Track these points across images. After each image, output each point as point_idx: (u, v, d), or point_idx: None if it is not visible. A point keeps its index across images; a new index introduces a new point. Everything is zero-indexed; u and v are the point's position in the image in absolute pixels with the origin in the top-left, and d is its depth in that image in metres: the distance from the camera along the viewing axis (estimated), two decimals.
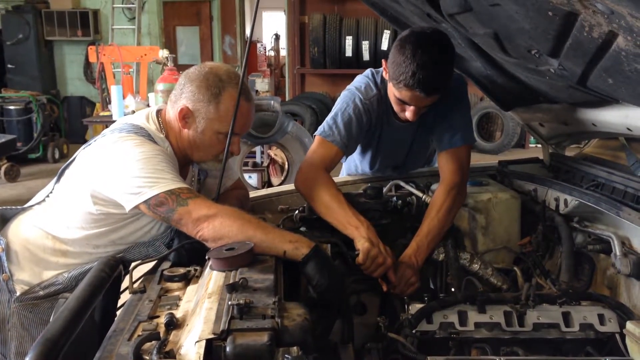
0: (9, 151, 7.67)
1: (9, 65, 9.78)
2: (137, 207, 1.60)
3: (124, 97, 6.43)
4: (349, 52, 8.94)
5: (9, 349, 1.77)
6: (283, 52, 12.98)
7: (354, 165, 2.59)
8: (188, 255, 1.64)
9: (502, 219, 2.17)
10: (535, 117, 2.44)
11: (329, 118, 2.14)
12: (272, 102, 6.02)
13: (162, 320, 1.27)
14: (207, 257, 1.51)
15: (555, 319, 1.72)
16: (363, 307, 1.99)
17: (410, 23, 2.16)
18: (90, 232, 1.75)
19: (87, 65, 9.98)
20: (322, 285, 1.51)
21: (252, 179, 6.25)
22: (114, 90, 6.32)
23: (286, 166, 6.39)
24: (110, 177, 1.64)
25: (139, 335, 1.20)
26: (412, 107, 1.96)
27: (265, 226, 1.59)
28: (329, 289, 1.51)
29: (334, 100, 2.28)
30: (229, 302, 1.20)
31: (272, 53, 14.49)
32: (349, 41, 8.90)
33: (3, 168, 7.48)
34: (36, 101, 8.43)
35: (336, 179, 2.39)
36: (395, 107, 2.06)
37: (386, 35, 8.68)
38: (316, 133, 2.15)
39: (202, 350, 1.08)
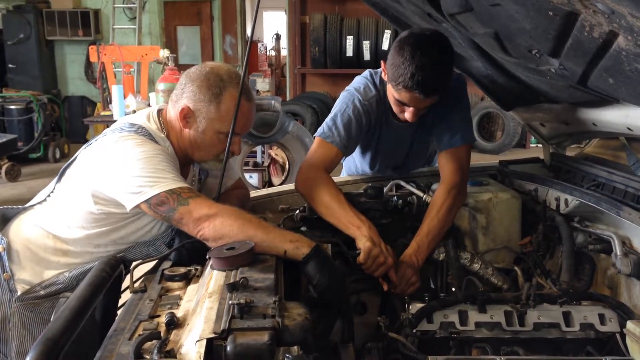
0: (9, 151, 7.69)
1: (10, 65, 9.79)
2: (138, 206, 1.60)
3: (124, 97, 6.43)
4: (349, 52, 8.94)
5: (10, 349, 1.77)
6: (284, 52, 12.98)
7: (354, 166, 2.59)
8: (189, 254, 1.64)
9: (503, 219, 2.17)
10: (535, 117, 2.44)
11: (328, 119, 2.14)
12: (272, 101, 6.02)
13: (163, 319, 1.28)
14: (207, 257, 1.52)
15: (555, 319, 1.72)
16: (363, 306, 1.99)
17: (411, 23, 2.16)
18: (91, 232, 1.75)
19: (88, 65, 10.00)
20: (322, 284, 1.51)
21: (252, 178, 6.25)
22: (115, 90, 6.32)
23: (287, 166, 6.40)
24: (111, 177, 1.64)
25: (139, 335, 1.20)
26: (411, 108, 1.96)
27: (265, 226, 1.59)
28: (329, 288, 1.51)
29: (334, 100, 2.27)
30: (230, 302, 1.20)
31: (272, 53, 14.50)
32: (349, 41, 8.90)
33: (4, 168, 7.49)
34: (37, 101, 8.44)
35: (336, 179, 2.39)
36: (395, 108, 2.06)
37: (387, 35, 8.67)
38: (316, 134, 2.15)
39: (202, 350, 1.08)
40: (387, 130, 2.25)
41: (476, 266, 2.03)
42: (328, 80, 9.74)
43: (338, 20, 9.05)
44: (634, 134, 1.85)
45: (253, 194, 2.33)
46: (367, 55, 8.85)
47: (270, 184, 6.32)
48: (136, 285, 1.50)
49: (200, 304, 1.28)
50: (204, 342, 1.10)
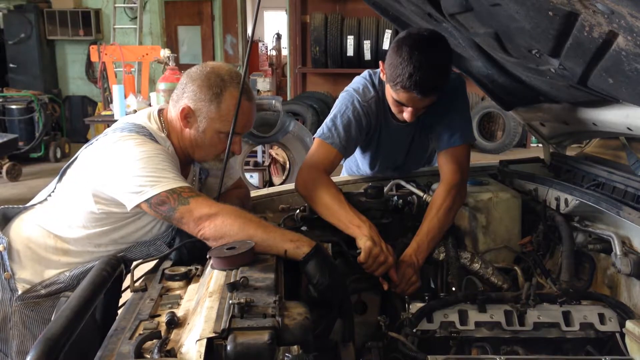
0: (10, 150, 7.70)
1: (11, 65, 9.81)
2: (138, 206, 1.61)
3: (125, 97, 6.44)
4: (350, 52, 8.94)
5: (11, 348, 1.78)
6: (284, 52, 12.99)
7: (354, 166, 2.59)
8: (189, 254, 1.64)
9: (503, 219, 2.17)
10: (536, 117, 2.44)
11: (328, 120, 2.15)
12: (273, 101, 6.02)
13: (163, 319, 1.28)
14: (208, 256, 1.52)
15: (555, 318, 1.73)
16: (364, 306, 2.00)
17: (412, 23, 2.16)
18: (92, 231, 1.75)
19: (89, 65, 10.02)
20: (322, 284, 1.51)
21: (253, 178, 6.26)
22: (116, 90, 6.33)
23: (287, 165, 6.40)
24: (112, 176, 1.64)
25: (140, 334, 1.20)
26: (409, 108, 1.97)
27: (266, 225, 1.59)
28: (329, 288, 1.52)
29: (335, 100, 2.27)
30: (230, 301, 1.20)
31: (273, 52, 14.50)
32: (350, 41, 8.90)
33: (5, 167, 7.50)
34: (38, 100, 8.45)
35: (336, 179, 2.39)
36: (393, 108, 2.06)
37: (388, 34, 8.67)
38: (315, 135, 2.15)
39: (203, 349, 1.09)
40: (386, 131, 2.25)
41: (476, 266, 2.03)
42: (329, 80, 9.74)
43: (339, 19, 9.05)
44: (634, 134, 1.85)
45: (253, 193, 2.34)
46: (367, 55, 8.85)
47: (271, 184, 6.33)
48: (137, 284, 1.50)
49: (201, 304, 1.28)
50: (204, 341, 1.10)
